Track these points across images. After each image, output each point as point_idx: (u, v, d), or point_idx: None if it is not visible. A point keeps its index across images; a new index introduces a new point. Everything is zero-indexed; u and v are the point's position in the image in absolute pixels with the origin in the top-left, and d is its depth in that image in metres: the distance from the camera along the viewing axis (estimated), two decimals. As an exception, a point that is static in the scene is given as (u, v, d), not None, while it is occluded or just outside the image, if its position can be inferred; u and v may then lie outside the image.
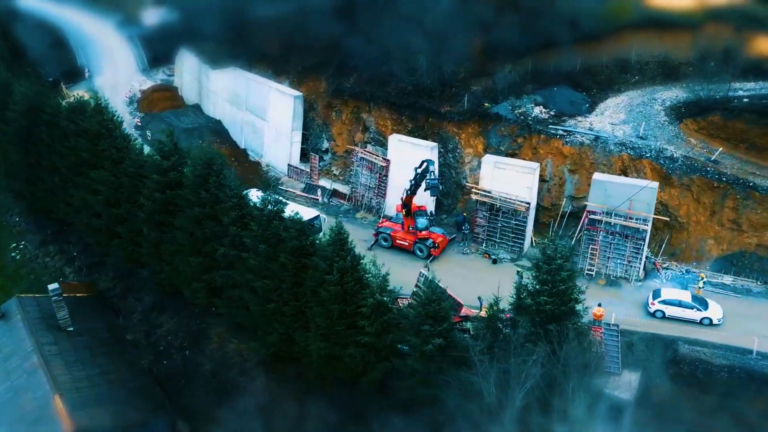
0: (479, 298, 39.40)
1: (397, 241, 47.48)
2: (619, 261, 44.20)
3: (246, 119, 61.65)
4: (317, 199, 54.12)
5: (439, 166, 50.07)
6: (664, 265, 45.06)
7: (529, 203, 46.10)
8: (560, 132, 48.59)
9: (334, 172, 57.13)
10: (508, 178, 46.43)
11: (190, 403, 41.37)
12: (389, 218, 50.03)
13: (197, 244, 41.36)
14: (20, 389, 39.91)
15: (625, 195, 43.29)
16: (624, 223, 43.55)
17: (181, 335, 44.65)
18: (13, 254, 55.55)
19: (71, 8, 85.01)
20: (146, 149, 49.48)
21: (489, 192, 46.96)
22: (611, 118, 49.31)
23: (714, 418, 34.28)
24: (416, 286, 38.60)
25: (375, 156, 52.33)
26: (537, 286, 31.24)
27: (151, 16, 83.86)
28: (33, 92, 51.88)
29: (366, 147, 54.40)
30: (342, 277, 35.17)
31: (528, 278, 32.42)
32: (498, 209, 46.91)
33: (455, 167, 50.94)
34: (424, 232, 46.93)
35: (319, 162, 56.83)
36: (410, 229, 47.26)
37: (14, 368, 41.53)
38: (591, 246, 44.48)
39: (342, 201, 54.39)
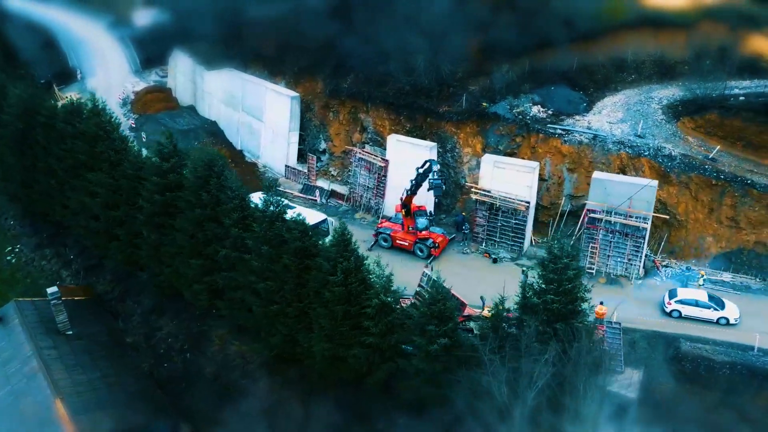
0: (482, 298, 39.49)
1: (397, 241, 47.46)
2: (619, 259, 44.39)
3: (242, 120, 61.45)
4: (315, 200, 54.03)
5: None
6: (664, 263, 45.30)
7: (528, 202, 46.22)
8: (559, 131, 48.73)
9: (332, 172, 57.03)
10: (508, 178, 46.53)
11: (192, 406, 41.10)
12: (388, 218, 50.01)
13: (198, 246, 41.16)
14: (20, 394, 39.55)
15: (625, 193, 43.49)
16: (624, 221, 43.74)
17: (181, 338, 44.40)
18: (8, 258, 55.06)
19: (60, 9, 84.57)
20: (142, 151, 49.23)
21: (489, 191, 47.04)
22: (609, 116, 49.52)
23: (717, 414, 34.41)
24: (419, 285, 38.62)
25: (373, 156, 52.30)
26: (543, 285, 31.25)
27: (143, 17, 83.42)
28: (28, 94, 51.48)
29: (364, 147, 54.31)
30: (346, 278, 35.11)
31: (534, 277, 32.45)
32: (498, 208, 46.99)
33: (454, 167, 50.97)
34: (424, 232, 46.93)
35: (317, 163, 56.70)
36: (410, 229, 47.26)
37: (13, 373, 41.14)
38: (591, 244, 44.63)
39: (340, 202, 54.30)
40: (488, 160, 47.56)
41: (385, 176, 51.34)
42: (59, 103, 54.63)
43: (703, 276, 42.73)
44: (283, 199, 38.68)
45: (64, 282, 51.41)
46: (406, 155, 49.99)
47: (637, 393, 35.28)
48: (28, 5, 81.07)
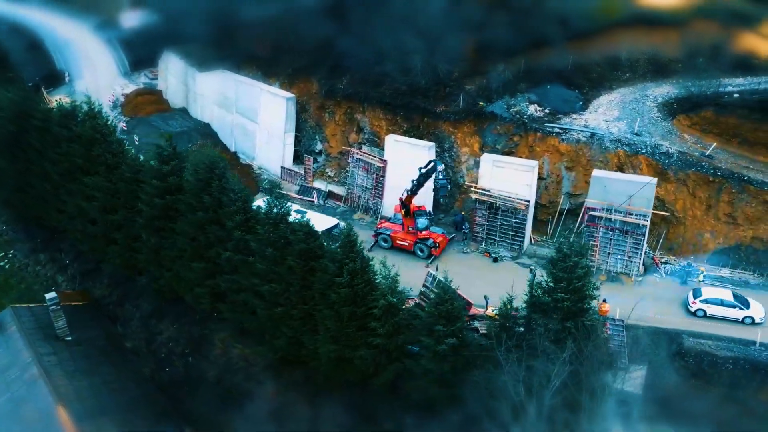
0: (485, 297, 39.59)
1: (398, 241, 47.41)
2: (619, 257, 44.62)
3: (236, 122, 61.08)
4: (313, 201, 53.84)
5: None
6: (663, 260, 45.62)
7: (528, 201, 46.37)
8: (556, 130, 48.92)
9: (329, 173, 56.83)
10: (507, 177, 46.65)
11: (195, 410, 40.90)
12: (388, 219, 49.95)
13: (199, 249, 40.90)
14: (21, 401, 39.12)
15: (624, 191, 43.76)
16: (624, 219, 43.98)
17: (182, 342, 44.11)
18: (2, 263, 54.32)
19: (44, 11, 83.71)
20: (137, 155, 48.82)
21: (488, 191, 47.13)
22: (605, 115, 49.81)
23: (724, 409, 34.71)
24: (424, 286, 38.57)
25: (371, 157, 52.20)
26: (551, 284, 31.34)
27: (130, 19, 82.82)
28: (21, 97, 50.85)
29: (361, 148, 54.18)
30: (352, 279, 35.06)
31: (542, 276, 32.56)
32: (497, 207, 47.07)
33: (452, 166, 50.96)
34: (424, 232, 46.92)
35: (313, 164, 56.49)
36: (410, 229, 47.23)
37: (13, 380, 40.66)
38: (591, 242, 44.81)
39: (338, 203, 54.14)
40: (487, 159, 47.65)
41: (383, 177, 51.27)
42: (51, 106, 54.00)
43: (703, 272, 43.09)
44: (288, 203, 38.37)
45: (60, 287, 50.85)
46: (405, 155, 50.01)
47: (643, 389, 35.53)
48: (11, 7, 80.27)
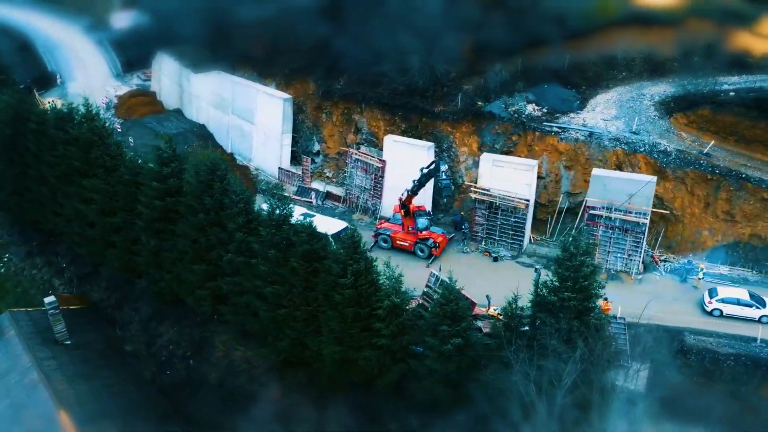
0: (487, 297, 39.68)
1: (398, 242, 47.40)
2: (619, 255, 44.82)
3: (232, 123, 60.85)
4: (311, 202, 53.72)
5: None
6: (662, 258, 45.86)
7: (528, 200, 46.48)
8: (555, 129, 49.08)
9: (327, 174, 56.74)
10: (507, 176, 46.75)
11: (197, 413, 40.63)
12: (387, 219, 49.92)
13: (201, 251, 40.66)
14: (22, 406, 38.74)
15: (624, 190, 43.96)
16: (623, 217, 44.17)
17: (183, 345, 43.84)
18: (-3, 267, 53.98)
19: (33, 12, 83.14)
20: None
21: (488, 190, 47.20)
22: (603, 114, 50.00)
23: (725, 405, 34.88)
24: (427, 286, 38.58)
25: (370, 157, 52.13)
26: (556, 283, 31.39)
27: (121, 20, 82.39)
28: (16, 100, 50.42)
29: (359, 148, 54.11)
30: (356, 280, 34.99)
31: (547, 275, 32.62)
32: (497, 207, 47.16)
33: (451, 166, 50.89)
34: (424, 233, 46.92)
35: (311, 164, 56.34)
36: (410, 229, 47.22)
37: (13, 385, 40.28)
38: (591, 241, 44.88)
39: (336, 203, 54.06)
40: (487, 158, 47.72)
41: (382, 177, 51.22)
42: (45, 108, 53.59)
43: (702, 270, 43.33)
44: (291, 205, 38.24)
45: (57, 291, 50.40)
46: (404, 155, 50.04)
47: (644, 386, 35.63)
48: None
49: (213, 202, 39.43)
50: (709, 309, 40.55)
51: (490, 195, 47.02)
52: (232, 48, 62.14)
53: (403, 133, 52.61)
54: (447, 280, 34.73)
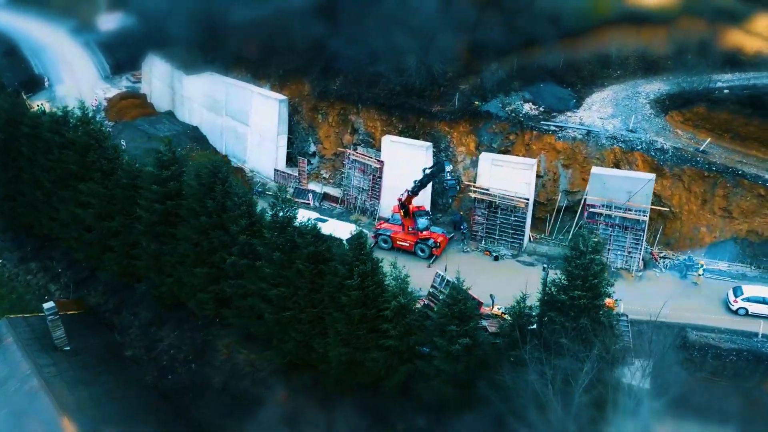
0: (491, 296, 39.76)
1: (398, 242, 47.32)
2: (619, 252, 45.05)
3: (226, 125, 60.46)
4: (308, 203, 53.49)
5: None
6: (661, 255, 46.18)
7: (528, 199, 46.61)
8: (552, 128, 49.25)
9: (324, 175, 56.53)
10: (506, 175, 46.85)
11: (201, 417, 40.32)
12: (386, 220, 49.84)
13: (203, 254, 40.39)
14: (23, 414, 38.43)
15: (624, 188, 44.21)
16: (623, 215, 44.42)
17: (184, 349, 43.51)
18: (-10, 274, 53.26)
19: (16, 15, 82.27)
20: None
21: (487, 189, 47.27)
22: (599, 112, 50.24)
23: (728, 400, 35.11)
24: (432, 286, 38.55)
25: (368, 158, 52.00)
26: (565, 281, 31.48)
27: (107, 22, 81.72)
28: (9, 104, 49.82)
29: (356, 149, 53.97)
30: (362, 281, 34.89)
31: (556, 273, 32.72)
32: (497, 206, 47.24)
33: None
34: (425, 233, 46.90)
35: (307, 166, 56.12)
36: (410, 229, 47.18)
37: (13, 392, 39.93)
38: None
39: (334, 204, 53.89)
40: (486, 158, 47.81)
41: (380, 177, 51.12)
42: (38, 111, 52.92)
43: (702, 266, 43.66)
44: (296, 208, 38.06)
45: (54, 296, 49.83)
46: (402, 156, 50.01)
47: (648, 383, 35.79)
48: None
49: (215, 204, 39.15)
50: (734, 308, 40.60)
51: (490, 194, 47.05)
52: (224, 49, 61.80)
53: (400, 134, 52.57)
54: (453, 280, 34.68)
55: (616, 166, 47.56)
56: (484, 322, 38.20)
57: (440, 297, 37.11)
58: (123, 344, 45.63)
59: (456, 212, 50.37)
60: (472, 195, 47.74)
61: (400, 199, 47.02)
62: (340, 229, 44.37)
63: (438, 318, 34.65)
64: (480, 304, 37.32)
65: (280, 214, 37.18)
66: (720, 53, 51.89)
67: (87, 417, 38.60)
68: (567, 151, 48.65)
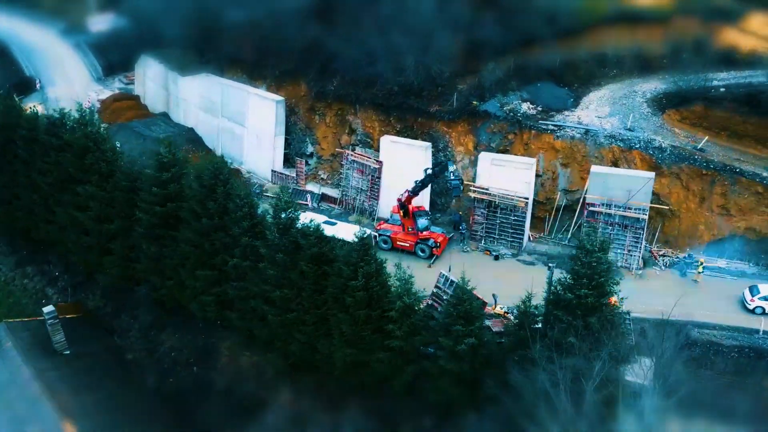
0: (494, 296, 39.83)
1: (398, 242, 47.30)
2: (619, 251, 45.20)
3: (223, 126, 60.22)
4: (307, 204, 53.33)
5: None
6: (660, 253, 46.43)
7: (528, 198, 46.72)
8: (551, 127, 49.37)
9: (322, 176, 56.43)
10: (506, 175, 46.94)
11: (204, 421, 40.09)
12: (385, 220, 49.80)
13: (204, 256, 40.19)
14: (25, 420, 38.13)
15: (623, 186, 44.42)
16: (623, 213, 44.61)
17: (186, 352, 43.30)
18: (-14, 278, 52.75)
19: (6, 16, 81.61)
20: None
21: (486, 189, 47.32)
22: (597, 111, 50.42)
23: (731, 396, 35.30)
24: (436, 287, 38.51)
25: (367, 158, 51.94)
26: (570, 280, 31.55)
27: (98, 23, 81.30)
28: (4, 107, 49.38)
29: (354, 149, 53.89)
30: (367, 282, 34.85)
31: (561, 272, 32.80)
32: (496, 206, 47.32)
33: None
34: (425, 233, 46.91)
35: (305, 166, 55.97)
36: (410, 230, 47.19)
37: (14, 398, 39.57)
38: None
39: (332, 205, 53.79)
40: (485, 157, 47.90)
41: (379, 178, 51.06)
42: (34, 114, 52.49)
43: (702, 264, 43.90)
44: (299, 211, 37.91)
45: (51, 300, 49.52)
46: (401, 156, 50.01)
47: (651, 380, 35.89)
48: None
49: (217, 206, 38.97)
50: (751, 307, 40.74)
51: (489, 194, 47.11)
52: (220, 50, 61.63)
53: (399, 134, 52.57)
54: (458, 280, 34.70)
55: (615, 164, 47.76)
56: (487, 322, 38.33)
57: (444, 297, 37.11)
58: (123, 348, 45.37)
59: (455, 212, 50.42)
60: (472, 195, 47.77)
61: (399, 200, 47.02)
62: (350, 233, 44.21)
63: (443, 318, 34.67)
64: (484, 304, 37.31)
65: (283, 215, 36.98)
66: (715, 52, 52.14)
67: (90, 422, 38.38)
68: (566, 150, 48.79)
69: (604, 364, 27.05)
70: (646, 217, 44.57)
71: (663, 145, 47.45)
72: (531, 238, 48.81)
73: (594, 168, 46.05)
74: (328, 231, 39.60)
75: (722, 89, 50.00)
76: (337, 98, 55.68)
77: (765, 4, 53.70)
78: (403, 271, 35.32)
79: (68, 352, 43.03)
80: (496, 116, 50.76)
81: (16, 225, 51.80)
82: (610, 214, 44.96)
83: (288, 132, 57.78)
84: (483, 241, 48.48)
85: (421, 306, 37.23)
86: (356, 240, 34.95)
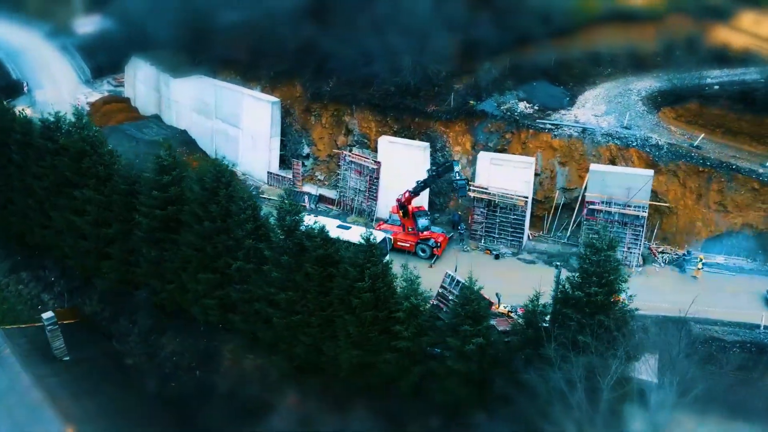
0: (497, 295, 39.83)
1: (398, 243, 47.22)
2: (619, 249, 45.33)
3: (217, 128, 59.84)
4: (304, 206, 53.10)
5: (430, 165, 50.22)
6: (659, 250, 46.77)
7: (527, 197, 46.87)
8: (548, 126, 49.60)
9: (319, 177, 56.24)
10: (505, 174, 47.06)
11: (208, 425, 39.74)
12: (385, 221, 49.73)
13: (206, 259, 39.85)
14: (27, 427, 37.48)
15: (623, 184, 44.68)
16: (623, 211, 44.88)
17: (188, 356, 42.84)
18: (-21, 285, 51.95)
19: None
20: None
21: (486, 189, 47.41)
22: (593, 110, 50.72)
23: (741, 392, 35.54)
24: (441, 287, 38.50)
25: (365, 159, 51.84)
26: (579, 279, 31.65)
27: (85, 25, 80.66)
28: (-3, 110, 48.84)
29: (351, 150, 53.78)
30: (374, 283, 34.74)
31: (569, 271, 32.90)
32: (496, 205, 47.42)
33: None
34: (425, 233, 46.91)
35: (301, 168, 55.76)
36: (410, 230, 47.17)
37: (14, 405, 38.94)
38: (591, 235, 45.44)
39: (330, 206, 53.65)
40: (484, 157, 48.00)
41: (377, 179, 50.97)
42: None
43: (701, 260, 44.28)
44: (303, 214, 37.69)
45: (47, 306, 48.83)
46: (399, 156, 49.99)
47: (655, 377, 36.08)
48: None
49: (219, 209, 38.66)
50: None
51: (489, 193, 47.20)
52: (213, 51, 61.20)
53: (396, 134, 52.57)
54: (464, 280, 34.68)
55: (612, 162, 48.05)
56: (492, 321, 38.35)
57: (450, 297, 37.11)
58: (123, 353, 44.79)
59: (453, 212, 50.49)
60: (471, 194, 47.81)
61: (399, 200, 46.99)
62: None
63: (451, 318, 34.64)
64: (491, 304, 37.35)
65: (288, 219, 36.76)
66: (708, 50, 52.67)
67: (93, 428, 37.87)
68: (563, 149, 49.03)
69: (621, 361, 27.16)
70: (646, 214, 44.85)
71: (660, 143, 47.81)
72: (530, 237, 48.96)
73: (593, 166, 46.30)
74: (344, 236, 39.46)
75: (716, 87, 50.56)
76: (333, 99, 55.56)
77: (755, 2, 54.35)
78: (410, 272, 35.27)
79: (68, 358, 42.50)
80: (493, 116, 50.92)
81: (10, 230, 51.13)
82: (609, 212, 45.17)
83: (283, 133, 57.57)
84: (483, 241, 48.57)
85: (427, 306, 37.24)
86: (362, 242, 34.71)
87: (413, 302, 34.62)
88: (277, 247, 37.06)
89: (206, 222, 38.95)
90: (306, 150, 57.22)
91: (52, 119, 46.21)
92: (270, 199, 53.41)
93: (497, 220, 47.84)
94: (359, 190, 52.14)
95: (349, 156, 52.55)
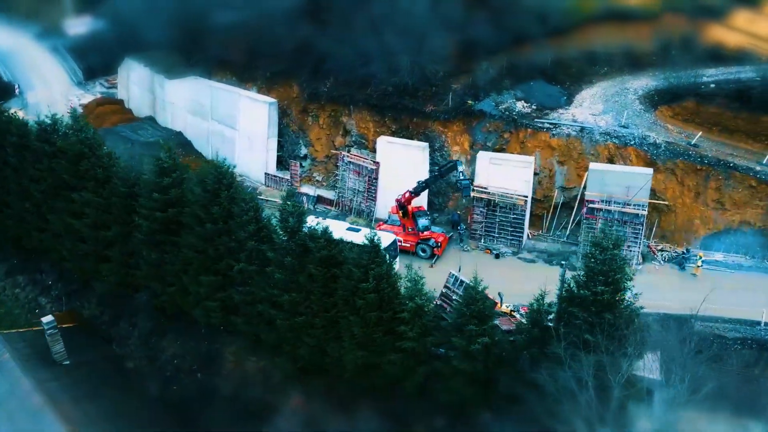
0: (499, 294, 39.90)
1: (399, 243, 47.16)
2: (619, 247, 45.57)
3: (213, 129, 59.57)
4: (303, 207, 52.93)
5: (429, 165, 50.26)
6: (658, 248, 47.00)
7: (527, 197, 46.96)
8: (546, 125, 49.71)
9: (317, 178, 56.13)
10: (504, 174, 47.15)
11: (211, 428, 39.55)
12: (384, 221, 49.66)
13: (208, 261, 39.66)
14: (28, 432, 37.26)
15: (622, 183, 44.87)
16: (622, 209, 45.04)
17: (189, 358, 42.64)
18: (-25, 289, 51.47)
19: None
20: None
21: (485, 188, 47.47)
22: (590, 109, 50.90)
23: (748, 388, 35.75)
24: (445, 287, 38.51)
25: (364, 159, 51.77)
26: (584, 278, 31.73)
27: (76, 26, 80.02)
28: (-9, 112, 48.35)
29: (349, 151, 53.70)
30: (378, 284, 34.71)
31: (576, 270, 32.98)
32: (495, 204, 47.49)
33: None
34: (425, 233, 46.90)
35: (299, 168, 55.61)
36: (410, 230, 47.15)
37: (15, 410, 38.63)
38: (591, 234, 45.64)
39: (329, 207, 53.54)
40: (483, 157, 48.06)
41: (376, 179, 50.91)
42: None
43: (701, 258, 44.54)
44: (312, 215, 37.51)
45: (45, 309, 48.50)
46: (397, 157, 49.96)
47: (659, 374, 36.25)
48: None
49: (221, 210, 38.47)
50: None
51: (489, 193, 47.26)
52: (208, 52, 60.92)
53: (394, 134, 52.55)
54: (468, 280, 34.72)
55: (611, 161, 48.24)
56: (495, 321, 38.40)
57: (454, 297, 37.12)
58: (123, 356, 44.54)
59: (453, 212, 50.51)
60: (471, 194, 47.81)
61: (398, 200, 46.98)
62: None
63: (456, 318, 34.65)
64: (495, 303, 37.39)
65: (291, 220, 36.61)
66: (703, 49, 52.94)
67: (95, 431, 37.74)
68: (562, 148, 49.17)
69: (631, 359, 27.25)
70: (645, 212, 45.04)
71: (657, 142, 48.06)
72: (530, 236, 49.06)
73: (592, 165, 46.48)
74: (356, 239, 39.31)
75: (712, 85, 50.84)
76: (330, 100, 55.46)
77: (749, 1, 54.73)
78: (414, 272, 35.25)
79: (68, 362, 42.17)
80: (492, 115, 51.00)
81: (6, 233, 50.60)
82: (609, 211, 45.32)
83: (281, 134, 57.42)
84: (482, 240, 48.62)
85: (431, 306, 37.24)
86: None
87: (418, 302, 34.61)
88: (280, 249, 36.94)
89: (208, 224, 38.76)
90: (303, 151, 57.11)
91: (48, 121, 45.80)
92: (268, 200, 53.21)
93: (497, 220, 47.92)
94: (358, 190, 52.07)
95: (348, 156, 52.47)
